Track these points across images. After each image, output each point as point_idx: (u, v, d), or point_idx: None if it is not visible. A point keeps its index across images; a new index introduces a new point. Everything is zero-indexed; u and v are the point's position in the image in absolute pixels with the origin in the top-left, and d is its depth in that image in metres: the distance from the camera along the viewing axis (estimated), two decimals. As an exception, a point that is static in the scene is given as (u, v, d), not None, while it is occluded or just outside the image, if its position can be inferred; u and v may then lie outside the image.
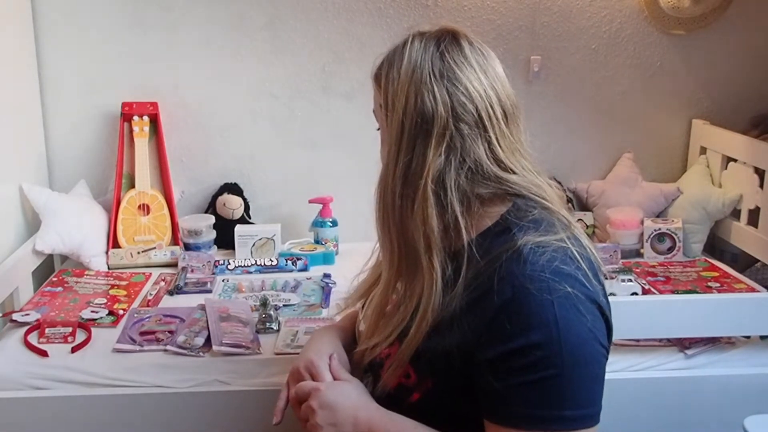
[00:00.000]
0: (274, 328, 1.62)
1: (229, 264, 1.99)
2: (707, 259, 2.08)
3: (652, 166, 2.29)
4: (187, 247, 2.07)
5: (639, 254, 2.12)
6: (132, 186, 2.07)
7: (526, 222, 0.94)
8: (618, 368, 1.58)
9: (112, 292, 1.83)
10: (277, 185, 2.24)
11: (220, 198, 2.17)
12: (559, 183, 2.19)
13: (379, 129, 1.05)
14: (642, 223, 2.11)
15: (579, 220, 2.19)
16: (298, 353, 1.22)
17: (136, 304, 1.77)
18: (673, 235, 2.08)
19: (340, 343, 1.14)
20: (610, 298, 0.98)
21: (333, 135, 2.21)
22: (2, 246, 1.83)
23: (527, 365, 0.85)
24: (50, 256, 1.98)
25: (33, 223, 1.98)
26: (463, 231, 0.94)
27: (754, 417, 1.43)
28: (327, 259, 2.05)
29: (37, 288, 1.87)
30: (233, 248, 2.07)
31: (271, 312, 1.63)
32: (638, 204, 2.17)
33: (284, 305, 1.75)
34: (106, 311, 1.69)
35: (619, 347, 1.61)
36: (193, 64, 2.13)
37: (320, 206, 2.12)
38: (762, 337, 1.65)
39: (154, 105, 2.10)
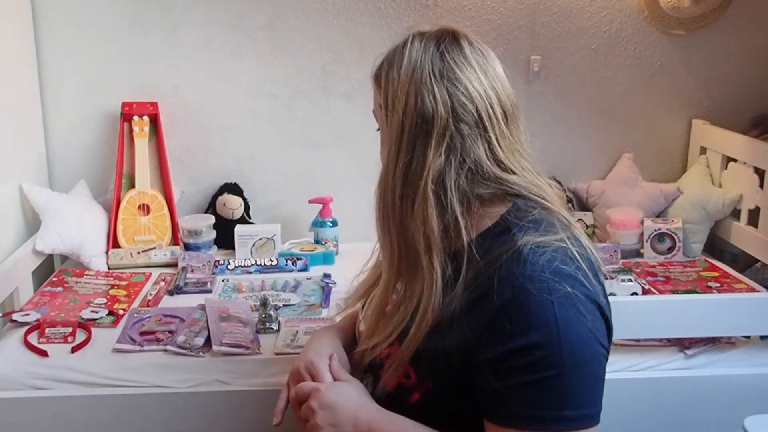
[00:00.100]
0: (274, 328, 1.62)
1: (229, 264, 1.99)
2: (707, 259, 2.08)
3: (652, 166, 2.29)
4: (187, 247, 2.07)
5: (639, 254, 2.12)
6: (132, 186, 2.07)
7: (526, 222, 0.94)
8: (618, 368, 1.58)
9: (112, 292, 1.83)
10: (277, 185, 2.24)
11: (220, 198, 2.17)
12: (559, 183, 2.19)
13: (378, 129, 1.05)
14: (642, 223, 2.11)
15: (579, 220, 2.19)
16: (298, 353, 1.22)
17: (136, 304, 1.77)
18: (673, 235, 2.08)
19: (340, 344, 1.14)
20: (610, 298, 0.98)
21: (333, 135, 2.21)
22: (2, 246, 1.83)
23: (527, 365, 0.85)
24: (50, 256, 1.98)
25: (33, 223, 1.98)
26: (463, 231, 0.94)
27: (754, 417, 1.43)
28: (327, 259, 2.05)
29: (37, 288, 1.87)
30: (233, 248, 2.07)
31: (271, 312, 1.63)
32: (638, 204, 2.17)
33: (284, 305, 1.75)
34: (106, 311, 1.69)
35: (619, 347, 1.61)
36: (193, 64, 2.13)
37: (320, 206, 2.12)
38: (762, 337, 1.65)
39: (154, 105, 2.10)
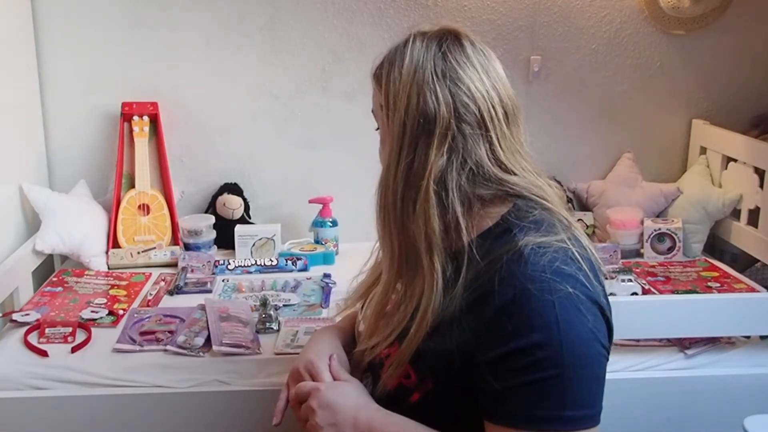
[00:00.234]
0: (274, 328, 1.62)
1: (229, 264, 1.99)
2: (707, 259, 2.08)
3: (652, 166, 2.29)
4: (187, 247, 2.07)
5: (639, 254, 2.12)
6: (132, 186, 2.07)
7: (527, 223, 0.94)
8: (618, 368, 1.58)
9: (112, 292, 1.83)
10: (277, 185, 2.24)
11: (220, 198, 2.17)
12: (559, 183, 2.19)
13: (378, 129, 1.05)
14: (642, 223, 2.11)
15: (579, 220, 2.19)
16: (298, 353, 1.22)
17: (136, 304, 1.77)
18: (673, 235, 2.08)
19: (339, 344, 1.14)
20: (610, 298, 0.98)
21: (333, 135, 2.21)
22: (2, 246, 1.83)
23: (528, 365, 0.85)
24: (50, 256, 1.98)
25: (33, 223, 1.98)
26: (464, 232, 0.94)
27: (754, 417, 1.43)
28: (327, 259, 2.05)
29: (37, 288, 1.87)
30: (233, 248, 2.07)
31: (271, 312, 1.63)
32: (638, 204, 2.17)
33: (284, 305, 1.75)
34: (106, 311, 1.69)
35: (619, 347, 1.61)
36: (193, 64, 2.13)
37: (320, 206, 2.12)
38: (762, 337, 1.65)
39: (154, 105, 2.10)
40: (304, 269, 1.99)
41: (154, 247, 2.04)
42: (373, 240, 1.08)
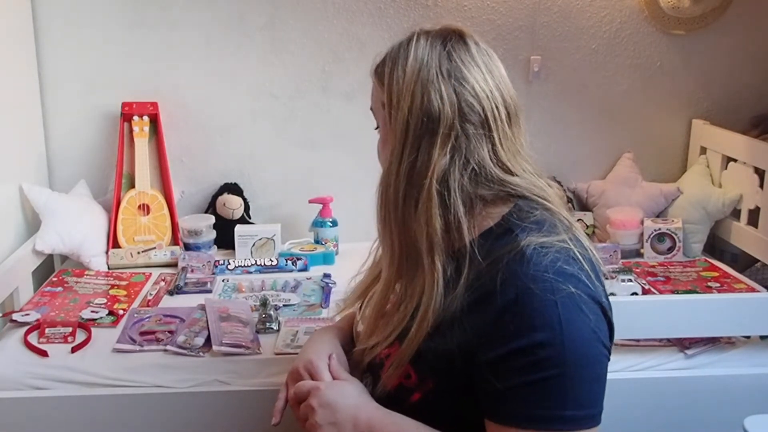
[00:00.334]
0: (274, 328, 1.62)
1: (229, 264, 1.99)
2: (707, 259, 2.08)
3: (652, 166, 2.29)
4: (187, 247, 2.07)
5: (639, 254, 2.12)
6: (132, 186, 2.07)
7: (528, 223, 0.94)
8: (618, 368, 1.57)
9: (112, 292, 1.83)
10: (277, 185, 2.24)
11: (220, 198, 2.17)
12: (559, 183, 2.19)
13: (377, 128, 1.05)
14: (642, 223, 2.11)
15: (579, 220, 2.19)
16: (297, 353, 1.22)
17: (136, 304, 1.77)
18: (673, 235, 2.08)
19: (339, 344, 1.14)
20: (610, 298, 0.98)
21: (333, 135, 2.21)
22: (2, 246, 1.83)
23: (530, 365, 0.85)
24: (50, 256, 1.98)
25: (33, 223, 1.98)
26: (466, 232, 0.94)
27: (754, 417, 1.43)
28: (327, 259, 2.05)
29: (37, 288, 1.86)
30: (233, 248, 2.07)
31: (271, 312, 1.63)
32: (638, 204, 2.17)
33: (284, 305, 1.75)
34: (106, 311, 1.69)
35: (619, 347, 1.60)
36: (193, 64, 2.13)
37: (320, 206, 2.12)
38: (762, 337, 1.65)
39: (154, 105, 2.10)
40: (304, 269, 1.99)
41: (154, 247, 2.04)
42: (373, 240, 1.08)
